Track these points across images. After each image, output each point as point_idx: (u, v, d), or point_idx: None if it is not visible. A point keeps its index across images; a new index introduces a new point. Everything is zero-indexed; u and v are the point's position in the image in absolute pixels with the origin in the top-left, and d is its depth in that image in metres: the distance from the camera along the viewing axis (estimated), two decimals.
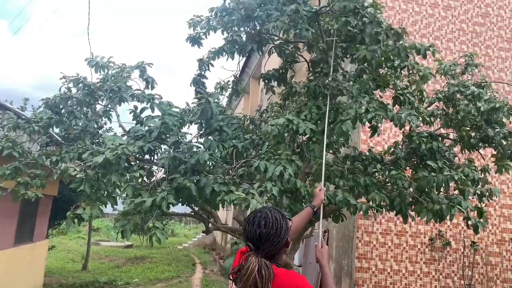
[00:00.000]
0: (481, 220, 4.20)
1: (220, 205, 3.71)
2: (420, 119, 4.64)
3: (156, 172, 4.42)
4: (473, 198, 4.44)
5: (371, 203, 3.98)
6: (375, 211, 4.04)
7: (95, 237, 22.89)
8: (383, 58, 4.14)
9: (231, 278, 1.83)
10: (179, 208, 5.25)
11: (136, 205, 3.34)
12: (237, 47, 4.55)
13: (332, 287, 2.10)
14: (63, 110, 4.65)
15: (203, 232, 5.27)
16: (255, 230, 1.83)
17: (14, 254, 8.25)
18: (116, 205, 4.15)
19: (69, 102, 4.59)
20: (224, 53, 4.64)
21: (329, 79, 4.09)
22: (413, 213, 4.36)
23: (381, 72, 4.48)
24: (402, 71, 4.64)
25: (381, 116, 3.77)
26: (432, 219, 4.04)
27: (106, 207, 4.05)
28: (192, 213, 4.97)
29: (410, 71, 4.72)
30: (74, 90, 4.67)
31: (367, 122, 3.86)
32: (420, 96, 4.75)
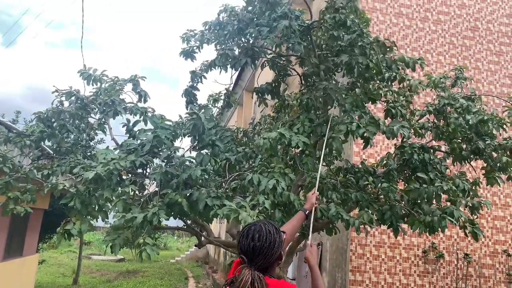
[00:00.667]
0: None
1: (213, 218, 3.70)
2: (412, 131, 4.67)
3: (148, 186, 4.40)
4: (465, 210, 4.46)
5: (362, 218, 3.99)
6: (367, 226, 4.05)
7: (87, 250, 22.57)
8: (374, 71, 4.19)
9: None
10: (172, 222, 5.21)
11: (127, 221, 3.31)
12: (229, 60, 4.58)
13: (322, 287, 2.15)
14: (55, 124, 4.63)
15: (195, 245, 5.22)
16: (249, 243, 1.85)
17: (3, 269, 8.10)
18: (107, 219, 4.11)
19: (62, 115, 4.58)
20: (216, 66, 4.68)
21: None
22: (405, 226, 4.36)
23: (372, 85, 4.52)
24: (393, 84, 4.69)
25: (372, 132, 3.80)
26: (425, 231, 4.05)
27: (97, 221, 4.01)
28: (185, 227, 4.93)
29: (400, 84, 4.77)
30: (66, 104, 4.66)
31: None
32: (409, 108, 4.79)
